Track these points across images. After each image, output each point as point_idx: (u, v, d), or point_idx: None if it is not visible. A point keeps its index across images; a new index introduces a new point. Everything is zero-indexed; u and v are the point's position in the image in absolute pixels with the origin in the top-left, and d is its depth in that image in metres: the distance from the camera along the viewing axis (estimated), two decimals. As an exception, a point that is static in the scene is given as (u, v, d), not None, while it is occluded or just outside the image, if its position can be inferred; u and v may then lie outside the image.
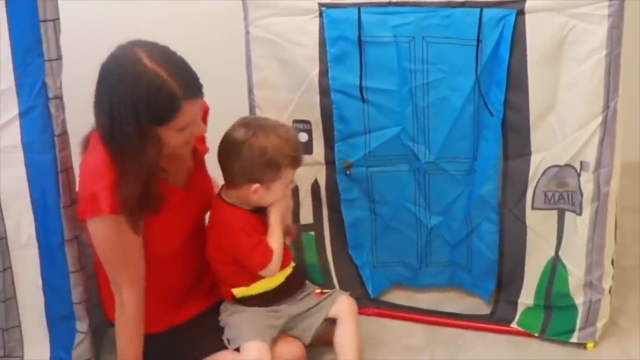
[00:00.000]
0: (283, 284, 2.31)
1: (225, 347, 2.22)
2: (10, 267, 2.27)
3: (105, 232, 2.05)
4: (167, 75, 1.92)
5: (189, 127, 2.03)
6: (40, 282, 2.29)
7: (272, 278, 2.27)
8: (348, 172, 2.56)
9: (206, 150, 2.35)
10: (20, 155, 2.17)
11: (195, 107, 2.01)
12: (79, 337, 2.34)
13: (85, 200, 2.02)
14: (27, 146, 2.17)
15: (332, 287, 2.66)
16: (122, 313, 2.12)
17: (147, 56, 1.93)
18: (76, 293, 2.29)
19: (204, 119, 2.24)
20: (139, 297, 2.12)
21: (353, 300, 2.38)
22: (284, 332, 2.29)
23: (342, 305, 2.33)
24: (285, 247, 2.30)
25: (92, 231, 2.08)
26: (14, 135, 2.16)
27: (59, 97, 2.16)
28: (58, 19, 2.12)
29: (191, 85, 1.99)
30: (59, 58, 2.14)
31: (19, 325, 2.33)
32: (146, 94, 1.92)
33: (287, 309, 2.31)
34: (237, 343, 2.20)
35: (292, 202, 2.36)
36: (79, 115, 2.18)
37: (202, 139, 2.31)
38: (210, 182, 2.38)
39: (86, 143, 2.13)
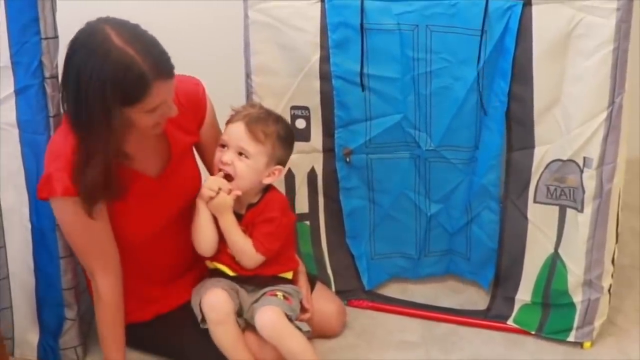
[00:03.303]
0: (237, 278, 2.28)
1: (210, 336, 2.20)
2: (5, 246, 2.25)
3: (62, 214, 2.05)
4: (136, 54, 1.86)
5: (159, 108, 1.97)
6: (32, 264, 2.26)
7: (223, 266, 2.27)
8: (348, 159, 2.54)
9: (196, 140, 2.28)
10: (16, 132, 2.15)
11: (166, 88, 1.95)
12: (67, 324, 2.31)
13: (42, 180, 2.01)
14: (23, 125, 2.15)
15: (326, 278, 2.64)
16: (98, 299, 2.11)
17: (117, 34, 1.87)
18: (66, 279, 2.26)
19: (202, 102, 2.24)
20: (114, 282, 2.11)
21: (275, 314, 2.19)
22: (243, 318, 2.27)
23: (260, 321, 2.18)
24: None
25: (54, 213, 2.07)
26: (11, 112, 2.14)
27: (55, 77, 2.12)
28: (55, -5, 2.10)
29: (162, 65, 1.92)
30: (56, 37, 2.10)
31: (11, 307, 2.31)
32: (114, 73, 1.85)
33: (243, 293, 2.27)
34: (198, 310, 2.21)
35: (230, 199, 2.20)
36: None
37: (191, 129, 2.25)
38: (197, 174, 2.30)
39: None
